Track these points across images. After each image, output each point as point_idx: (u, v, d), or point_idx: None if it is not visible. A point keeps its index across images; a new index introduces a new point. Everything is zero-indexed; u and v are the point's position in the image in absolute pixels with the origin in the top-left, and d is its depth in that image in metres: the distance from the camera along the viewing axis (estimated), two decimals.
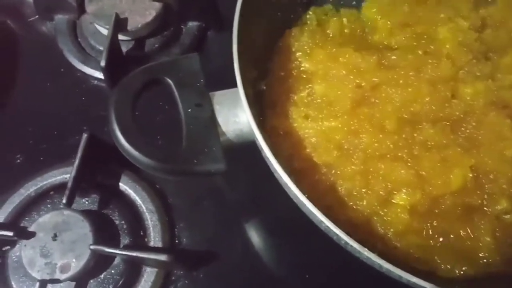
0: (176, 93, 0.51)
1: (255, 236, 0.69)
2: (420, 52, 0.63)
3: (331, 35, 0.67)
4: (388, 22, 0.67)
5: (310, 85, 0.61)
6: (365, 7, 0.70)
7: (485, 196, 0.56)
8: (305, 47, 0.64)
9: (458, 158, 0.56)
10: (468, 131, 0.58)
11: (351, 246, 0.46)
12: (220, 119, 0.52)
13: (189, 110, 0.50)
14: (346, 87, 0.60)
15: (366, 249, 0.45)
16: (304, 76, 0.63)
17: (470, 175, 0.56)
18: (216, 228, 0.69)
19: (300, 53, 0.64)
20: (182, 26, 0.81)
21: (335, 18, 0.68)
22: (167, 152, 0.49)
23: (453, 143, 0.57)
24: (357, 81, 0.60)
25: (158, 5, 0.77)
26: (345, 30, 0.67)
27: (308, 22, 0.68)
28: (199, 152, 0.49)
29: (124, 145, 0.48)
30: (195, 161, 0.48)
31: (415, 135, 0.58)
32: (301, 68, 0.63)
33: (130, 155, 0.48)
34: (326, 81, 0.61)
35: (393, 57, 0.62)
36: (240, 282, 0.66)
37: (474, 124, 0.58)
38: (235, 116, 0.52)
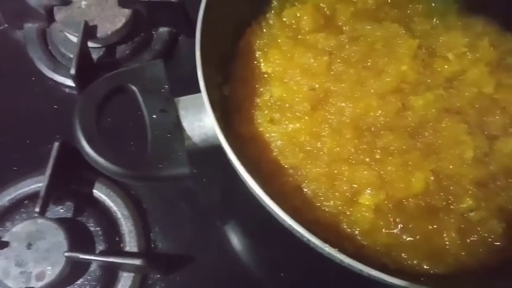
0: (140, 100, 0.52)
1: (230, 239, 0.70)
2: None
3: (290, 25, 0.67)
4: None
5: (269, 87, 0.62)
6: None
7: (450, 196, 0.58)
8: (263, 47, 0.65)
9: (419, 162, 0.58)
10: (426, 137, 0.60)
11: (313, 242, 0.47)
12: (185, 124, 0.53)
13: (154, 116, 0.51)
14: (301, 89, 0.61)
15: (327, 244, 0.46)
16: (266, 76, 0.64)
17: (432, 178, 0.57)
18: (191, 232, 0.69)
19: (260, 53, 0.65)
20: (153, 32, 0.82)
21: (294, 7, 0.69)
22: (132, 158, 0.50)
23: (413, 148, 0.59)
24: (310, 83, 0.62)
25: (127, 11, 0.78)
26: (304, 17, 0.67)
27: (267, 15, 0.69)
28: (164, 157, 0.50)
29: (89, 152, 0.49)
30: (160, 166, 0.49)
31: (376, 140, 0.59)
32: (262, 69, 0.64)
33: (95, 162, 0.49)
34: (282, 84, 0.62)
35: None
36: (217, 284, 0.67)
37: (430, 131, 0.60)
38: (200, 120, 0.53)
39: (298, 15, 0.67)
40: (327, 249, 0.46)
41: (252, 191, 0.50)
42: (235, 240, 0.70)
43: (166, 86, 0.53)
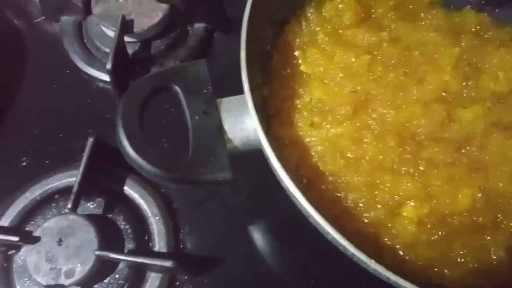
0: (183, 101, 0.51)
1: (259, 241, 0.69)
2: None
3: (330, 20, 0.65)
4: None
5: (309, 88, 0.61)
6: None
7: (498, 214, 0.55)
8: (302, 45, 0.64)
9: (466, 177, 0.55)
10: (473, 152, 0.58)
11: (358, 257, 0.46)
12: (227, 126, 0.51)
13: (196, 118, 0.50)
14: (342, 91, 0.59)
15: (373, 260, 0.44)
16: (305, 77, 0.62)
17: (479, 195, 0.55)
18: (221, 233, 0.68)
19: (299, 52, 0.63)
20: (188, 28, 0.80)
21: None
22: (173, 160, 0.49)
23: (459, 162, 0.57)
24: (352, 85, 0.60)
25: (164, 6, 0.77)
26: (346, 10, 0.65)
27: (307, 11, 0.67)
28: (205, 161, 0.48)
29: (129, 153, 0.47)
30: (201, 170, 0.48)
31: (420, 150, 0.57)
32: (301, 69, 0.62)
33: (135, 163, 0.47)
34: (323, 85, 0.60)
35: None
36: (244, 286, 0.66)
37: (478, 146, 0.58)
38: (242, 123, 0.52)
39: (340, 7, 0.65)
40: (372, 265, 0.44)
41: (295, 200, 0.48)
42: (265, 243, 0.69)
43: (209, 87, 0.52)
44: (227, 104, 0.53)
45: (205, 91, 0.51)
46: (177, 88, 0.51)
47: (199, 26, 0.81)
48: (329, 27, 0.65)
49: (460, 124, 0.59)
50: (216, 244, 0.67)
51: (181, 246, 0.67)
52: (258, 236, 0.69)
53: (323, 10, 0.66)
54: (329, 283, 0.65)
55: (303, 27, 0.66)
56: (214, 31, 0.81)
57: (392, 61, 0.63)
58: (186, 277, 0.65)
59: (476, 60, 0.62)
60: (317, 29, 0.65)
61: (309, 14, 0.66)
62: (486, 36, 0.66)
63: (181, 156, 0.48)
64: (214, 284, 0.65)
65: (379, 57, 0.63)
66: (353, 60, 0.61)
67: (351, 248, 0.46)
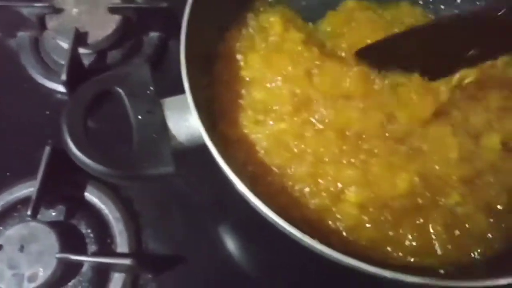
0: (127, 102, 0.53)
1: (221, 239, 0.71)
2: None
3: (267, 29, 0.68)
4: None
5: (251, 90, 0.64)
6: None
7: (436, 194, 0.58)
8: (243, 50, 0.67)
9: (404, 164, 0.58)
10: (412, 143, 0.61)
11: (304, 241, 0.48)
12: (171, 124, 0.54)
13: (140, 117, 0.53)
14: (282, 93, 0.62)
15: (307, 236, 0.47)
16: (247, 80, 0.65)
17: (416, 179, 0.58)
18: (183, 233, 0.70)
19: (241, 56, 0.66)
20: (143, 37, 0.83)
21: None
22: (117, 158, 0.51)
23: (398, 151, 0.60)
24: (291, 88, 0.62)
25: (117, 17, 0.79)
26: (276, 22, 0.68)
27: (248, 22, 0.70)
28: (149, 157, 0.51)
29: (76, 153, 0.50)
30: (145, 165, 0.50)
31: (360, 142, 0.60)
32: (242, 72, 0.65)
33: (82, 163, 0.50)
34: (264, 88, 0.63)
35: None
36: (208, 283, 0.68)
37: (417, 137, 0.61)
38: (186, 120, 0.55)
39: (272, 19, 0.68)
40: (307, 240, 0.47)
41: (238, 190, 0.51)
42: (227, 240, 0.71)
43: (152, 88, 0.55)
44: (170, 104, 0.56)
45: (148, 92, 0.54)
46: (120, 91, 0.54)
47: (153, 35, 0.83)
48: (266, 34, 0.68)
49: (399, 124, 0.61)
50: (178, 244, 0.69)
51: (144, 246, 0.69)
52: (219, 234, 0.71)
53: (260, 20, 0.70)
54: (290, 274, 0.68)
55: (244, 33, 0.69)
56: (169, 39, 0.84)
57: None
58: (149, 276, 0.67)
59: None
60: (256, 36, 0.68)
61: (249, 21, 0.70)
62: None
63: (125, 154, 0.51)
64: (177, 282, 0.67)
65: (316, 66, 0.65)
66: (290, 68, 0.64)
67: (294, 231, 0.49)
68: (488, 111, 0.62)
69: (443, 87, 0.61)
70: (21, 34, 0.83)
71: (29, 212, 0.64)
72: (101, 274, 0.65)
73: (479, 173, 0.60)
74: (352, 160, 0.59)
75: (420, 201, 0.58)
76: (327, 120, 0.61)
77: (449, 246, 0.57)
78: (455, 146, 0.59)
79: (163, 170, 0.51)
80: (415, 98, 0.60)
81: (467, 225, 0.58)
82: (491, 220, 0.58)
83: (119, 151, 0.52)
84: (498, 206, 0.59)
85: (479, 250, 0.58)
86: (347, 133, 0.60)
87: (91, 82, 0.54)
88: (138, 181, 0.53)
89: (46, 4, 0.79)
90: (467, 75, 0.63)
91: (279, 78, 0.63)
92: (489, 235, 0.58)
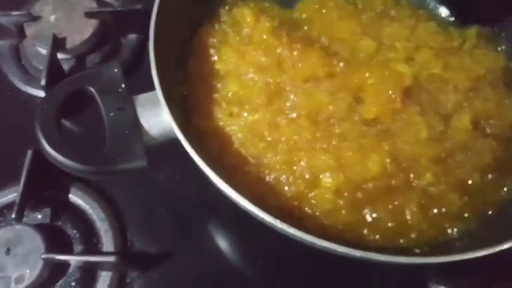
0: (99, 100, 0.55)
1: (207, 233, 0.72)
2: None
3: (240, 23, 0.69)
4: None
5: (225, 83, 0.65)
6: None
7: (409, 174, 0.60)
8: (216, 44, 0.68)
9: (375, 146, 0.60)
10: (381, 124, 0.62)
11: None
12: (143, 120, 0.55)
13: (112, 114, 0.54)
14: (256, 84, 0.63)
15: (279, 221, 0.49)
16: (221, 73, 0.66)
17: (388, 160, 0.59)
18: (168, 230, 0.71)
19: (214, 51, 0.68)
20: (121, 40, 0.85)
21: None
22: (90, 154, 0.52)
23: (368, 134, 0.61)
24: (264, 79, 0.64)
25: (94, 22, 0.81)
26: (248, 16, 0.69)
27: (221, 17, 0.71)
28: (122, 152, 0.52)
29: (49, 151, 0.51)
30: (118, 160, 0.51)
31: (331, 128, 0.61)
32: (216, 66, 0.66)
33: (56, 160, 0.51)
34: (238, 80, 0.64)
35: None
36: (195, 278, 0.68)
37: (386, 118, 0.62)
38: (158, 116, 0.56)
39: (244, 12, 0.69)
40: (290, 230, 0.48)
41: (212, 181, 0.52)
42: (212, 234, 0.72)
43: (123, 86, 0.56)
44: (142, 100, 0.57)
45: (119, 89, 0.56)
46: (92, 89, 0.55)
47: (131, 37, 0.85)
48: (239, 28, 0.69)
49: (367, 107, 0.63)
50: (164, 241, 0.70)
51: (129, 245, 0.70)
52: (204, 229, 0.72)
53: (233, 15, 0.71)
54: (278, 268, 0.69)
55: (217, 28, 0.70)
56: (147, 40, 0.85)
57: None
58: (136, 273, 0.68)
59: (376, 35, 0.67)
60: (230, 30, 0.70)
61: (222, 16, 0.71)
62: (389, 14, 0.71)
63: (98, 150, 0.52)
64: (164, 278, 0.68)
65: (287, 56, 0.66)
66: (264, 58, 0.66)
67: (266, 217, 0.50)
68: (456, 92, 0.63)
69: (407, 70, 0.62)
70: (0, 42, 0.84)
71: (13, 216, 0.65)
72: (88, 273, 0.66)
73: (450, 153, 0.61)
74: (325, 146, 0.60)
75: (393, 182, 0.59)
76: (298, 107, 0.62)
77: (425, 226, 0.58)
78: (424, 126, 0.60)
79: (136, 164, 0.52)
80: (380, 82, 0.61)
81: (441, 205, 0.59)
82: (466, 198, 0.60)
83: (93, 149, 0.53)
84: (471, 185, 0.60)
85: (455, 229, 0.59)
86: (319, 118, 0.61)
87: (63, 83, 0.55)
88: (112, 176, 0.54)
89: (24, 12, 0.80)
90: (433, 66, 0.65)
91: (252, 69, 0.64)
92: (464, 214, 0.59)
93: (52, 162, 0.52)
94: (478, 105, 0.63)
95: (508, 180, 0.62)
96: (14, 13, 0.80)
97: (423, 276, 0.65)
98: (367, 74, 0.62)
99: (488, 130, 0.64)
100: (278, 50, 0.64)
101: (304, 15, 0.72)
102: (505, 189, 0.62)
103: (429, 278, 0.64)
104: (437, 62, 0.64)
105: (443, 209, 0.59)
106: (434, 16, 0.75)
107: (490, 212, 0.60)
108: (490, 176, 0.61)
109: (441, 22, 0.74)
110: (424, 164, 0.60)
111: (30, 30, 0.80)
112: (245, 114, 0.63)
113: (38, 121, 0.52)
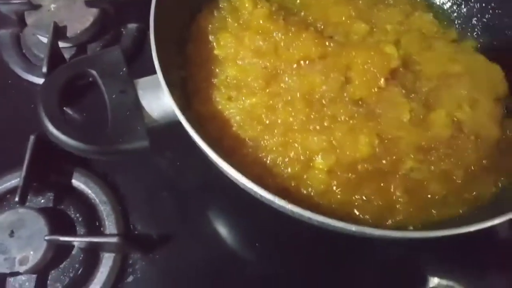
0: (100, 83, 0.56)
1: (207, 217, 0.74)
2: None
3: (238, 8, 0.71)
4: None
5: (224, 68, 0.66)
6: None
7: (394, 158, 0.61)
8: (215, 30, 0.69)
9: (363, 126, 0.62)
10: (368, 104, 0.64)
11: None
12: (144, 102, 0.57)
13: (114, 96, 0.55)
14: (253, 68, 0.65)
15: (277, 197, 0.50)
16: (220, 58, 0.67)
17: (376, 141, 0.61)
18: (169, 214, 0.73)
19: (213, 37, 0.69)
20: (122, 29, 0.86)
21: None
22: (93, 134, 0.54)
23: (357, 113, 0.63)
24: (262, 63, 0.65)
25: (94, 11, 0.82)
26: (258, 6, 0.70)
27: (220, 3, 0.72)
28: (124, 133, 0.53)
29: (52, 132, 0.53)
30: (120, 140, 0.53)
31: (324, 109, 0.63)
32: (215, 52, 0.67)
33: (59, 140, 0.53)
34: (236, 64, 0.66)
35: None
36: (196, 260, 0.70)
37: (373, 98, 0.64)
38: (159, 99, 0.57)
39: None
40: (288, 206, 0.50)
41: (213, 161, 0.54)
42: (212, 218, 0.73)
43: (125, 69, 0.57)
44: (144, 84, 0.58)
45: (120, 73, 0.57)
46: (94, 72, 0.56)
47: (131, 26, 0.86)
48: (238, 14, 0.71)
49: (356, 86, 0.65)
50: (165, 224, 0.72)
51: (131, 227, 0.71)
52: (205, 212, 0.74)
53: (232, 0, 0.72)
54: (273, 242, 0.70)
55: (215, 14, 0.71)
56: (147, 29, 0.86)
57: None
58: (138, 255, 0.69)
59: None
60: (229, 16, 0.71)
61: (220, 3, 0.72)
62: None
63: (101, 131, 0.54)
64: (165, 260, 0.70)
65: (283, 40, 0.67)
66: (261, 43, 0.67)
67: (265, 194, 0.51)
68: (428, 80, 0.66)
69: (394, 52, 0.63)
70: (1, 31, 0.85)
71: (16, 199, 0.66)
72: (92, 255, 0.68)
73: (433, 144, 0.63)
74: (318, 127, 0.62)
75: (381, 165, 0.61)
76: (293, 89, 0.64)
77: (412, 209, 0.60)
78: (407, 108, 0.62)
79: (138, 145, 0.54)
80: (365, 62, 0.63)
81: (425, 192, 0.61)
82: (449, 188, 0.61)
83: (96, 129, 0.54)
84: (455, 179, 0.62)
85: (441, 213, 0.60)
86: (313, 99, 0.63)
87: (64, 66, 0.57)
88: (115, 155, 0.55)
89: (24, 1, 0.81)
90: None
91: (250, 54, 0.66)
92: (450, 202, 0.61)
93: (55, 142, 0.53)
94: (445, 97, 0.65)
95: (497, 177, 0.63)
96: (14, 1, 0.82)
97: (421, 267, 0.68)
98: (353, 53, 0.63)
99: (465, 130, 0.65)
100: (274, 34, 0.66)
101: (301, 1, 0.73)
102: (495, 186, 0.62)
103: (427, 270, 0.67)
104: (420, 47, 0.66)
105: (429, 196, 0.61)
106: (436, 9, 0.77)
107: (478, 204, 0.61)
108: (476, 173, 0.63)
109: (440, 15, 0.76)
110: (407, 150, 0.62)
111: (30, 18, 0.81)
112: (243, 97, 0.64)
113: (41, 102, 0.53)
